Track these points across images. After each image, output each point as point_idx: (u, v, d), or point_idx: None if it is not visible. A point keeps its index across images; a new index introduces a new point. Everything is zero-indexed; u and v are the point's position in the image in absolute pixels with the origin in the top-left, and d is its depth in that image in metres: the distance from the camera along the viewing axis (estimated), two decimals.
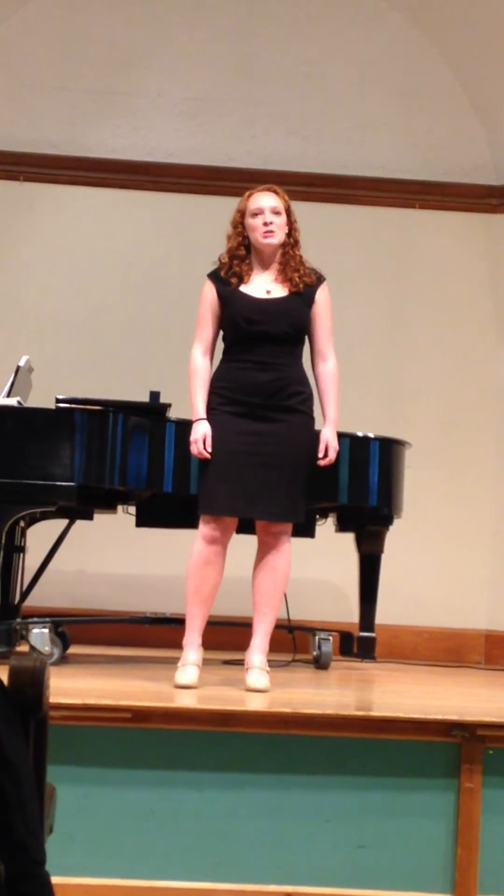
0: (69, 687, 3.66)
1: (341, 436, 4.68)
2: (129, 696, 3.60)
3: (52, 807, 2.08)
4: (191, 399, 4.08)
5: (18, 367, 4.60)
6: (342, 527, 5.06)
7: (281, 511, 4.01)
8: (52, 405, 4.36)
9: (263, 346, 4.02)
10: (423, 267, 6.36)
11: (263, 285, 4.08)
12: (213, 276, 4.13)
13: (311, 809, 3.37)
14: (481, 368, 6.31)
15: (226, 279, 4.09)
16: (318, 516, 5.03)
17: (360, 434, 4.79)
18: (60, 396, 4.40)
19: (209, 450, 3.98)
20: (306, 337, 4.15)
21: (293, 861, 3.34)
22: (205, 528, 4.01)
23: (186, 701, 3.63)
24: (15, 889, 1.60)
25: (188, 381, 4.09)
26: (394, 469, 4.85)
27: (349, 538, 5.02)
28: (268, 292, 4.07)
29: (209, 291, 4.11)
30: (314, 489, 4.25)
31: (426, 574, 6.10)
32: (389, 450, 4.83)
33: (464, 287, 6.36)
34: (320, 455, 4.07)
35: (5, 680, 1.84)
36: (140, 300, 6.18)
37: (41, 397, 4.61)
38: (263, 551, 4.07)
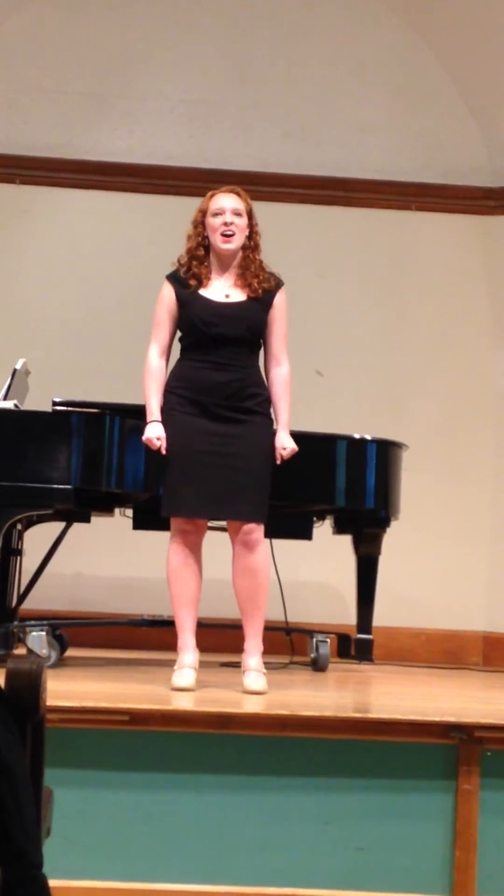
0: (66, 690, 3.65)
1: (339, 438, 4.71)
2: (126, 698, 3.60)
3: (50, 810, 2.08)
4: (145, 400, 4.08)
5: (15, 370, 4.60)
6: (340, 529, 5.06)
7: (249, 511, 4.00)
8: (48, 408, 4.36)
9: (221, 348, 4.03)
10: (421, 269, 6.36)
11: (222, 289, 4.08)
12: (172, 278, 4.14)
13: (309, 811, 3.37)
14: (479, 370, 6.31)
15: (184, 280, 4.09)
16: (315, 518, 5.03)
17: (357, 436, 4.79)
18: (57, 399, 4.39)
19: (164, 451, 3.99)
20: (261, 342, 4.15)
21: (291, 863, 3.34)
22: (177, 532, 4.03)
23: (184, 703, 3.63)
24: (13, 892, 1.60)
25: (143, 381, 4.09)
26: (391, 471, 4.85)
27: (347, 540, 5.02)
28: (226, 296, 4.07)
29: (167, 293, 4.12)
30: (311, 492, 4.25)
31: (424, 576, 6.10)
32: (387, 452, 4.83)
33: (461, 289, 6.36)
34: (278, 461, 4.05)
35: (2, 683, 1.84)
36: (137, 303, 6.13)
37: (38, 400, 4.61)
38: (239, 553, 4.05)
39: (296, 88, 6.32)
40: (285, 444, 4.06)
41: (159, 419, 4.04)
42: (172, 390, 4.07)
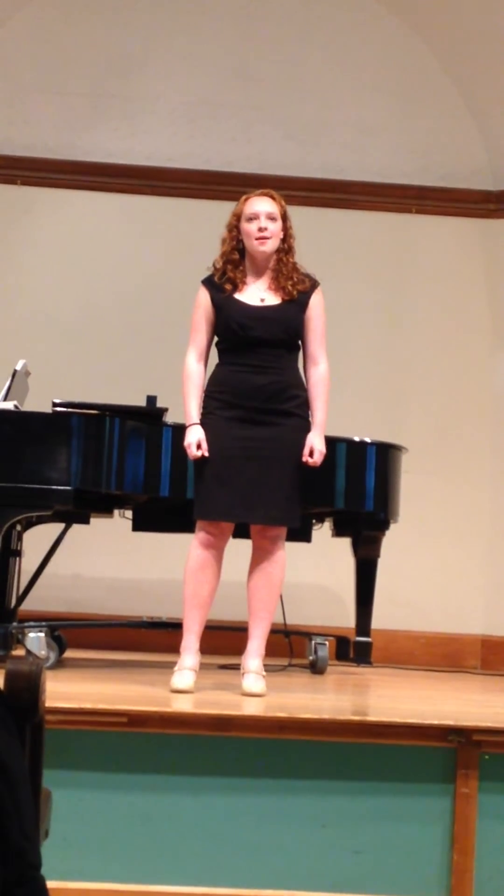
0: (65, 691, 3.65)
1: (338, 440, 4.70)
2: (125, 700, 3.60)
3: (48, 811, 2.07)
4: (184, 404, 4.08)
5: (15, 371, 4.60)
6: (339, 531, 5.05)
7: (278, 515, 4.01)
8: (48, 409, 4.36)
9: (259, 351, 4.02)
10: (421, 271, 6.36)
11: (257, 293, 4.08)
12: (208, 283, 4.13)
13: (307, 814, 3.37)
14: (478, 373, 6.31)
15: (220, 285, 4.09)
16: (314, 521, 5.03)
17: (356, 439, 4.80)
18: (57, 400, 4.40)
19: (206, 453, 3.98)
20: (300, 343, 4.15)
21: (289, 865, 3.34)
22: (201, 533, 4.01)
23: (182, 705, 3.62)
24: (11, 893, 1.60)
25: (182, 385, 4.10)
26: (390, 474, 4.85)
27: (346, 543, 5.02)
28: (262, 300, 4.07)
29: (203, 297, 4.11)
30: (311, 494, 4.24)
31: (423, 579, 6.10)
32: (386, 454, 4.83)
33: (461, 292, 6.36)
34: (305, 458, 4.03)
35: (1, 684, 1.84)
36: (137, 304, 6.19)
37: (38, 401, 4.61)
38: (258, 556, 4.06)
39: (296, 90, 6.32)
40: (316, 446, 4.03)
41: (198, 422, 4.03)
42: (211, 394, 4.07)
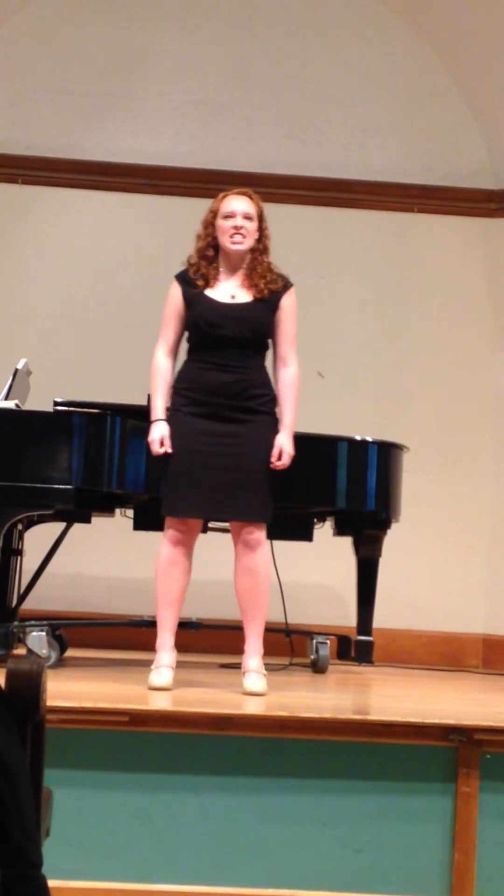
0: (66, 690, 3.65)
1: (339, 439, 4.70)
2: (126, 699, 3.60)
3: (49, 810, 2.08)
4: (151, 399, 4.09)
5: (16, 370, 4.60)
6: (340, 531, 5.05)
7: (249, 511, 4.00)
8: (50, 408, 4.36)
9: (226, 349, 4.03)
10: (422, 271, 6.36)
11: (228, 290, 4.09)
12: (180, 278, 4.15)
13: (308, 813, 3.37)
14: (479, 373, 6.31)
15: (192, 280, 4.10)
16: (315, 520, 5.03)
17: (358, 438, 4.79)
18: (58, 399, 4.39)
19: (169, 450, 3.99)
20: (270, 342, 4.14)
21: (290, 865, 3.34)
22: (170, 531, 4.03)
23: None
24: (12, 892, 1.60)
25: (150, 380, 4.11)
26: (392, 473, 4.85)
27: (347, 542, 5.02)
28: (232, 297, 4.07)
29: (175, 292, 4.13)
30: (312, 493, 4.24)
31: (424, 578, 6.10)
32: (387, 454, 4.83)
33: (462, 291, 6.36)
34: (273, 459, 4.02)
35: (2, 683, 1.84)
36: (138, 303, 6.16)
37: (39, 400, 4.61)
38: (240, 554, 4.05)
39: (298, 90, 6.32)
40: (284, 447, 4.04)
41: (163, 418, 4.04)
42: (178, 391, 4.08)
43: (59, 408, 4.36)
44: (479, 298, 6.36)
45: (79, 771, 3.31)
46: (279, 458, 4.02)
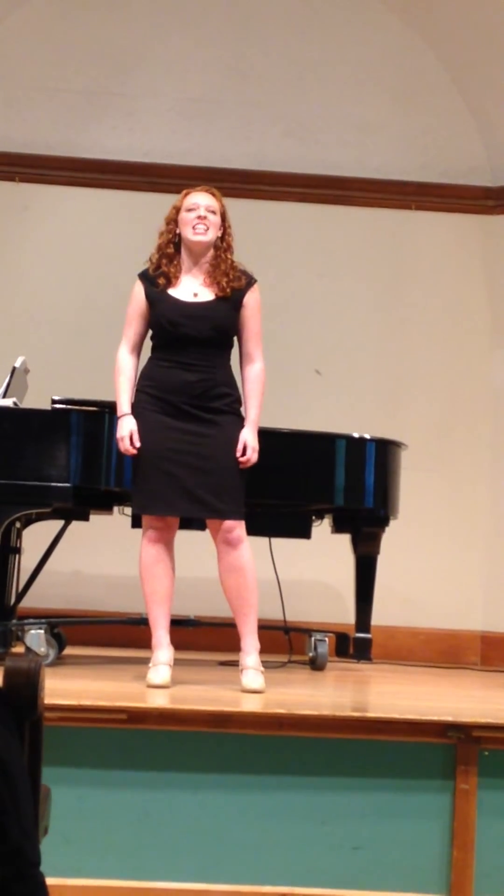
0: (65, 688, 3.65)
1: (338, 437, 4.70)
2: (124, 697, 3.60)
3: (47, 808, 2.08)
4: (116, 396, 4.09)
5: (14, 368, 4.60)
6: (338, 528, 5.05)
7: (222, 508, 3.99)
8: (48, 406, 4.36)
9: (189, 348, 4.03)
10: (419, 268, 6.36)
11: (191, 288, 4.08)
12: (143, 276, 4.15)
13: (306, 810, 3.37)
14: (477, 369, 6.31)
15: (154, 279, 4.10)
16: (314, 517, 5.03)
17: (356, 435, 4.79)
18: (56, 397, 4.40)
19: (137, 445, 3.99)
20: (235, 340, 4.14)
21: (289, 862, 3.34)
22: (149, 530, 4.02)
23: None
24: (9, 890, 1.60)
25: (114, 378, 4.11)
26: (390, 470, 4.85)
27: (345, 539, 5.02)
28: (195, 295, 4.07)
29: (137, 291, 4.13)
30: (310, 490, 4.24)
31: (422, 575, 6.10)
32: (385, 451, 4.83)
33: (460, 288, 6.36)
34: (238, 454, 4.01)
35: (0, 681, 1.84)
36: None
37: (37, 398, 4.61)
38: (223, 552, 4.03)
39: (295, 87, 6.31)
40: (248, 442, 4.02)
41: (129, 413, 4.04)
42: (141, 389, 4.08)
43: (58, 406, 4.36)
44: (477, 295, 6.36)
45: (77, 769, 3.30)
46: (244, 454, 4.01)
